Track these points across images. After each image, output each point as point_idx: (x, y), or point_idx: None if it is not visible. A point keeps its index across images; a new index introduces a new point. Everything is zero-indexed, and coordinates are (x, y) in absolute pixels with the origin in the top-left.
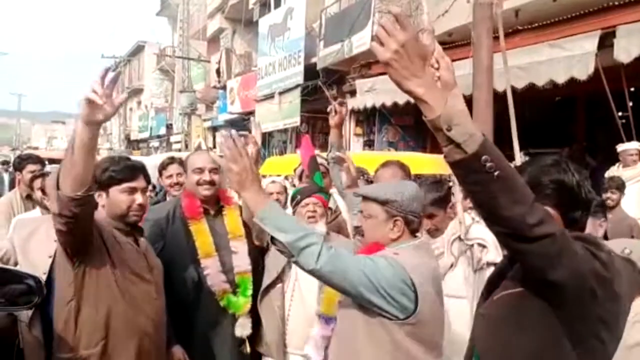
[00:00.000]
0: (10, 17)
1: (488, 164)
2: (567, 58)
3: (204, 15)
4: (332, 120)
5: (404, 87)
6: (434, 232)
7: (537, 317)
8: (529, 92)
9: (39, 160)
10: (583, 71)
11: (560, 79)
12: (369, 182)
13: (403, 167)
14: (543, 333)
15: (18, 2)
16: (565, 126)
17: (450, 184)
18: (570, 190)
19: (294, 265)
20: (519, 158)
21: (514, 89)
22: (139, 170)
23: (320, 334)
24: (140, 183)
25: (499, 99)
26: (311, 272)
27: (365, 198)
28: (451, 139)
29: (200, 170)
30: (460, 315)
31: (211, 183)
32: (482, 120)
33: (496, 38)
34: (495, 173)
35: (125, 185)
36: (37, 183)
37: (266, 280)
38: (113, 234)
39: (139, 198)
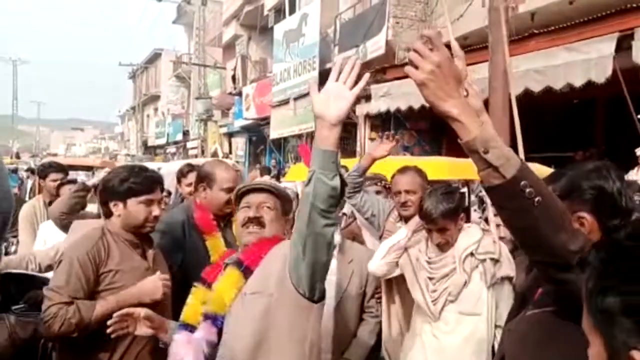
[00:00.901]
0: (29, 27)
1: (528, 190)
2: (585, 61)
3: (220, 22)
4: (378, 152)
5: (440, 108)
6: (444, 246)
7: (571, 337)
8: (547, 95)
9: (62, 169)
10: (601, 74)
11: (578, 82)
12: (387, 188)
13: (420, 173)
14: (575, 353)
15: (36, 11)
16: (584, 129)
17: (464, 190)
18: (610, 197)
19: None
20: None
21: (530, 93)
22: (157, 182)
23: (205, 338)
24: (157, 195)
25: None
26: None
27: (272, 192)
28: (488, 162)
29: (230, 190)
30: (476, 332)
31: None
32: (498, 124)
33: (512, 42)
34: (536, 199)
35: (144, 197)
36: (64, 190)
37: None
38: (121, 251)
39: (155, 210)
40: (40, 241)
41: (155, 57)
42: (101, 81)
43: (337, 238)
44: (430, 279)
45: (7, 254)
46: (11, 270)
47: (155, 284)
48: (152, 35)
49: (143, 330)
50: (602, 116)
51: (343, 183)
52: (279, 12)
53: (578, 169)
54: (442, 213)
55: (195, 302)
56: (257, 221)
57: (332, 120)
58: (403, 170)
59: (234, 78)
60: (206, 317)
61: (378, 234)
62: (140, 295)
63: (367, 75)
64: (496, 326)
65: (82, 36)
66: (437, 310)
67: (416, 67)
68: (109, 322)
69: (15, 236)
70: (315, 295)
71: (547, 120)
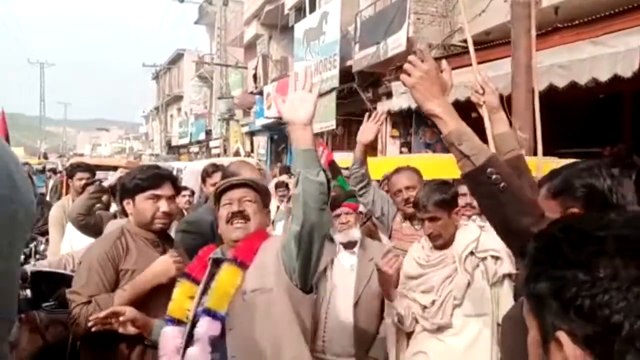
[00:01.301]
0: (53, 29)
1: (494, 176)
2: (611, 55)
3: (241, 22)
4: (364, 137)
5: (426, 107)
6: (436, 238)
7: None
8: (571, 90)
9: (88, 169)
10: (627, 68)
11: (604, 77)
12: None
13: (416, 171)
14: None
15: (62, 14)
16: (611, 124)
17: None
18: (600, 194)
19: (331, 271)
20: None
21: (555, 88)
22: (165, 178)
23: (208, 334)
24: (165, 191)
25: (540, 98)
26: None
27: (251, 186)
28: (462, 152)
29: None
30: (482, 333)
31: None
32: (521, 120)
33: (535, 36)
34: (501, 184)
35: (149, 192)
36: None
37: None
38: (139, 250)
39: (163, 205)
40: (67, 240)
41: (177, 58)
42: (125, 82)
43: (358, 235)
44: (425, 308)
45: (36, 252)
46: (42, 268)
47: (166, 262)
48: (174, 36)
49: (128, 329)
50: (629, 111)
51: (327, 177)
52: (300, 11)
53: (572, 168)
54: (434, 202)
55: (181, 296)
56: (241, 215)
57: (304, 121)
58: (398, 170)
59: (255, 77)
60: (208, 313)
61: (387, 233)
62: (154, 277)
63: (317, 80)
64: (498, 324)
65: (105, 37)
66: (447, 319)
67: (409, 75)
68: (90, 318)
69: (45, 234)
70: (307, 287)
71: (573, 116)
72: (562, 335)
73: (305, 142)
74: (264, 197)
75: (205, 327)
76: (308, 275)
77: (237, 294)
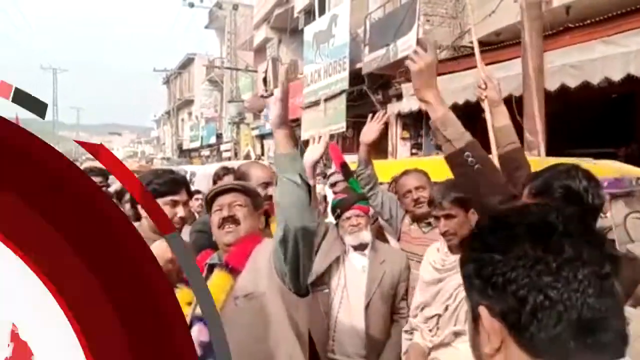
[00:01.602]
0: (66, 35)
1: (470, 159)
2: (624, 54)
3: (251, 26)
4: (367, 137)
5: (421, 93)
6: (451, 237)
7: None
8: (584, 90)
9: (102, 173)
10: None
11: (617, 76)
12: None
13: (424, 172)
14: None
15: (65, 14)
16: (624, 124)
17: None
18: (576, 194)
19: (342, 271)
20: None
21: (567, 88)
22: (181, 183)
23: (198, 340)
24: (182, 196)
25: (552, 98)
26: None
27: (240, 190)
28: (445, 137)
29: (266, 185)
30: None
31: None
32: (532, 121)
33: (546, 37)
34: (475, 166)
35: (168, 198)
36: None
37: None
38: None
39: (180, 211)
40: None
41: (188, 62)
42: (136, 87)
43: (369, 237)
44: (439, 316)
45: None
46: None
47: (160, 246)
48: (185, 40)
49: None
50: None
51: (307, 180)
52: (309, 14)
53: (552, 171)
54: (451, 199)
55: (180, 302)
56: (232, 219)
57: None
58: (406, 172)
59: (265, 81)
60: (199, 319)
61: (395, 236)
62: None
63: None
64: None
65: (114, 41)
66: (461, 326)
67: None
68: None
69: None
70: (301, 290)
71: (586, 116)
72: (482, 310)
73: (285, 146)
74: (254, 200)
75: (196, 333)
76: (299, 279)
77: (229, 299)
